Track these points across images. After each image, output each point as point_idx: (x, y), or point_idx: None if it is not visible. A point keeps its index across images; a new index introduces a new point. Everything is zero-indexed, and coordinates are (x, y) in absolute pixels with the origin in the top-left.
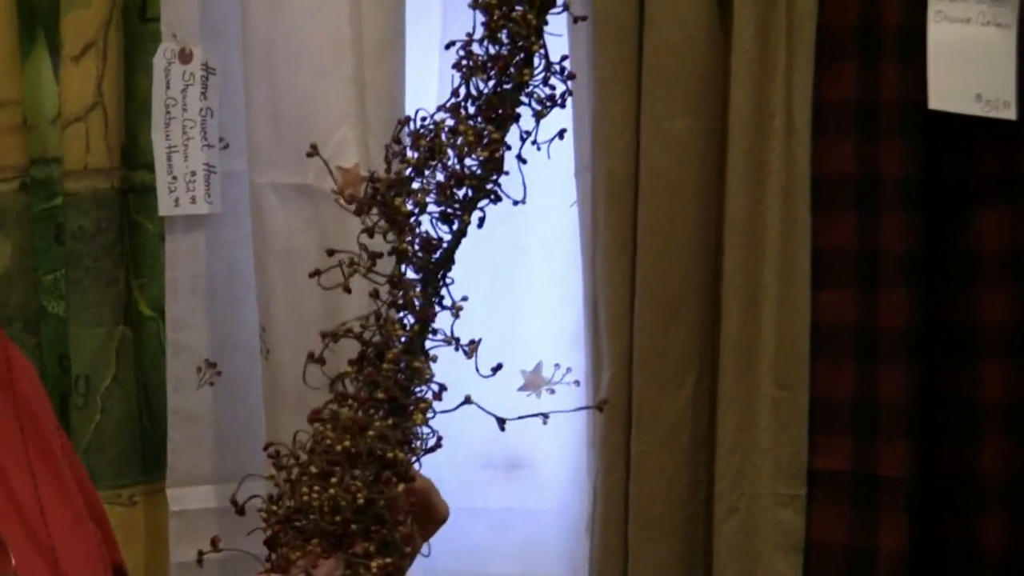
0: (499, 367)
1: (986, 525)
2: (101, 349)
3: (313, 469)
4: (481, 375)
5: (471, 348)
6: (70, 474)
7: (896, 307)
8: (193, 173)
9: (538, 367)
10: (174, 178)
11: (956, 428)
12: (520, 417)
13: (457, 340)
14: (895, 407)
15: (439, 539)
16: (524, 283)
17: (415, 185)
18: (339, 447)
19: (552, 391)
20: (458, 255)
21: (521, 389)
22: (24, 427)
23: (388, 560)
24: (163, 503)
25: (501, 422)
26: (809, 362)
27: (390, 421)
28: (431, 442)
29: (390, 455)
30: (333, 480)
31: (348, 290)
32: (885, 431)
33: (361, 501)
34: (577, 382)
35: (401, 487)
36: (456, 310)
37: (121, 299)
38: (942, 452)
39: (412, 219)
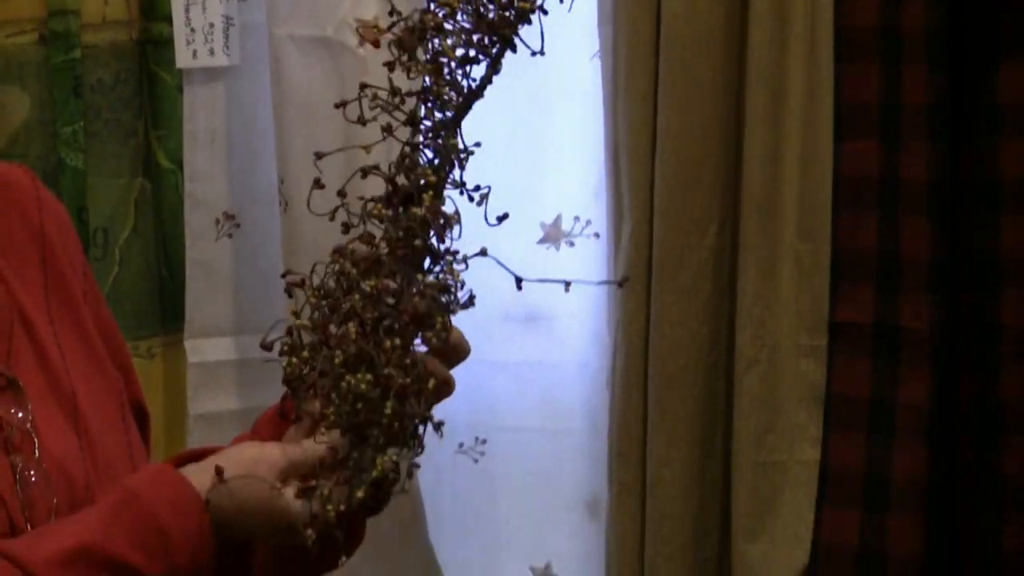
0: (505, 216)
1: (1006, 377)
2: (120, 201)
3: (343, 329)
4: (488, 224)
5: (480, 195)
6: (92, 321)
7: (918, 158)
8: (211, 25)
9: (557, 220)
10: (192, 30)
11: (977, 283)
12: (540, 280)
13: (463, 184)
14: (917, 260)
15: (459, 392)
16: (544, 136)
17: (448, 27)
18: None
19: (571, 244)
20: (476, 106)
21: (540, 242)
22: (48, 272)
23: (394, 458)
24: (181, 355)
25: (518, 281)
26: (832, 214)
27: (432, 279)
28: (464, 296)
29: (439, 319)
30: (359, 376)
31: (364, 123)
32: (908, 283)
33: (389, 410)
34: (597, 234)
35: (432, 383)
36: (467, 154)
37: (140, 151)
38: (964, 307)
39: (448, 61)
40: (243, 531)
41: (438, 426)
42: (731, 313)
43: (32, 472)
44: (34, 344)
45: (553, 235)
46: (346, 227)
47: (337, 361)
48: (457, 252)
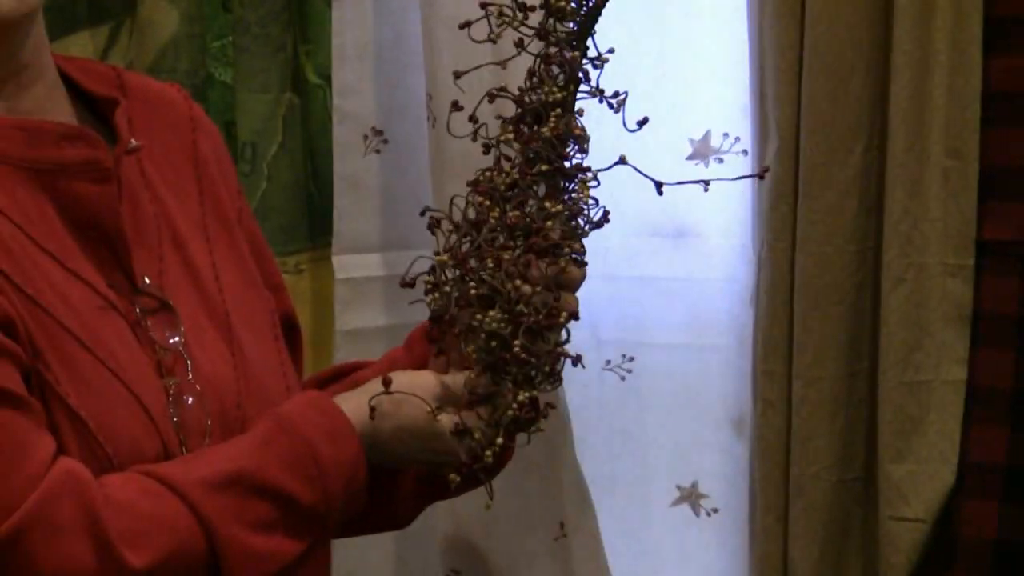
0: (645, 120)
1: None
2: (268, 116)
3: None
4: (628, 129)
5: (618, 102)
6: (245, 240)
7: None
8: None
9: (706, 136)
10: None
11: None
12: (679, 183)
13: (602, 92)
14: None
15: (606, 308)
16: (694, 51)
17: None
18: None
19: (720, 160)
20: (626, 22)
21: (689, 158)
22: (203, 190)
23: (532, 394)
24: (329, 271)
25: (659, 186)
26: (980, 130)
27: (560, 207)
28: (598, 214)
29: (567, 247)
30: (491, 313)
31: (494, 40)
32: None
33: (518, 346)
34: (745, 151)
35: (564, 316)
36: (602, 61)
37: (288, 66)
38: None
39: None
40: (396, 454)
41: (576, 360)
42: (878, 231)
43: (185, 394)
44: (187, 263)
45: (702, 151)
46: (486, 148)
47: (474, 292)
48: (589, 169)
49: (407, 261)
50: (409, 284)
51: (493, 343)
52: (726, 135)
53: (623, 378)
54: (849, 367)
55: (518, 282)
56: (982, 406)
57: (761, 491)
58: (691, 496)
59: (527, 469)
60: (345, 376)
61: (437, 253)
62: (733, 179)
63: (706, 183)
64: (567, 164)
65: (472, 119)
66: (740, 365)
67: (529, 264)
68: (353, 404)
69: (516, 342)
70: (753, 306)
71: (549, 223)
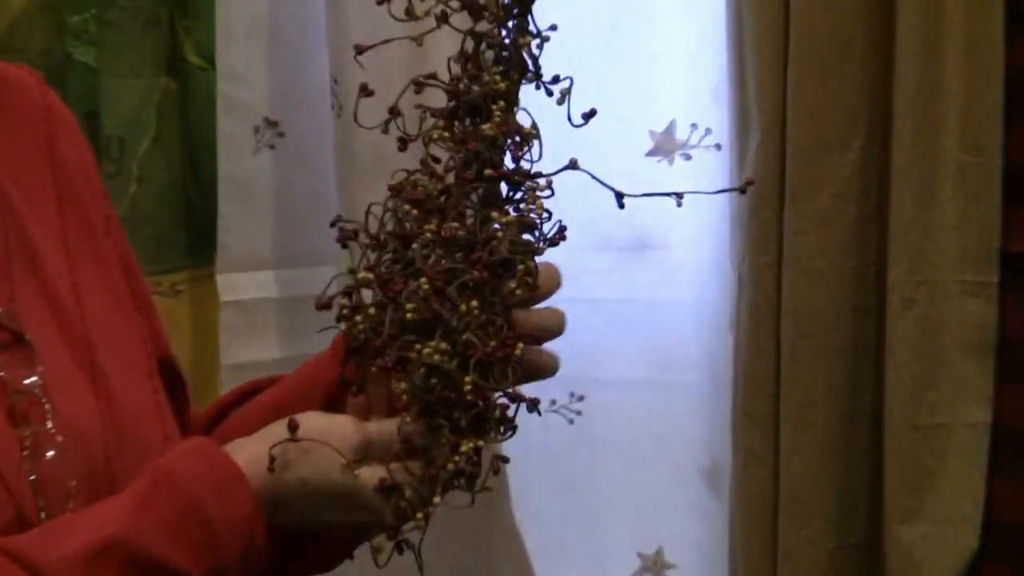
0: (592, 114)
1: None
2: (139, 105)
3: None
4: (572, 124)
5: (562, 91)
6: (113, 253)
7: None
8: None
9: (670, 127)
10: None
11: None
12: (645, 194)
13: (540, 77)
14: None
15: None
16: (654, 25)
17: None
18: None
19: (687, 156)
20: None
21: (650, 154)
22: (62, 195)
23: (479, 444)
24: (213, 292)
25: (619, 197)
26: (1003, 120)
27: (511, 211)
28: (552, 229)
29: (521, 266)
30: (431, 345)
31: (415, 18)
32: None
33: (469, 385)
34: (718, 145)
35: (520, 347)
36: (542, 40)
37: (164, 44)
38: None
39: None
40: (303, 512)
41: (533, 405)
42: (881, 243)
43: (44, 446)
44: (43, 284)
45: (665, 146)
46: (403, 143)
47: (408, 316)
48: (540, 175)
49: (306, 280)
50: (325, 306)
51: (433, 380)
52: (695, 126)
53: (571, 421)
54: (848, 408)
55: (474, 303)
56: (1010, 454)
57: (743, 560)
58: (655, 566)
59: (453, 528)
60: (239, 405)
61: (352, 271)
62: (712, 192)
63: (679, 196)
64: (511, 167)
65: (393, 111)
66: (715, 405)
67: (482, 283)
68: (249, 452)
69: (467, 378)
70: (731, 334)
71: (500, 235)
